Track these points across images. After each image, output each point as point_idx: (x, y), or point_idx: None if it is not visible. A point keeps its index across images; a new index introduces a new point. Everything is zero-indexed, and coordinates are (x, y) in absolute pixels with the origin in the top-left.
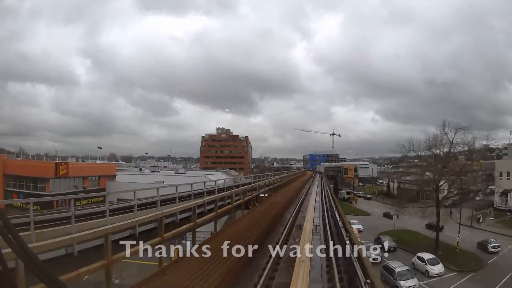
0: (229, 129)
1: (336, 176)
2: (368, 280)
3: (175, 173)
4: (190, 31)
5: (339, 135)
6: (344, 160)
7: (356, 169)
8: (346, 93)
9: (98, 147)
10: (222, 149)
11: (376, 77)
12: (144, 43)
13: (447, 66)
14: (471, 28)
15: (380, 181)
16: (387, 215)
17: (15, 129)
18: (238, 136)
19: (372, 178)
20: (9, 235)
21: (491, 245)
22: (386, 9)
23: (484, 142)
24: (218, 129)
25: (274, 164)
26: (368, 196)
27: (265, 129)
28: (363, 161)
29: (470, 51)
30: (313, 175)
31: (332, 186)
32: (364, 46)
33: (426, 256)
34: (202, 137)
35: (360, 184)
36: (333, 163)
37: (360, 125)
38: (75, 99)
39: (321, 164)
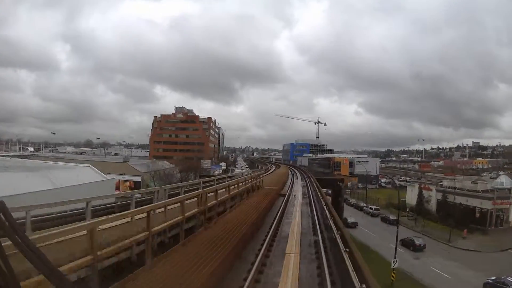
0: (192, 110)
1: (338, 182)
2: None
3: None
4: (168, 16)
5: (325, 124)
6: (331, 151)
7: (351, 164)
8: (329, 85)
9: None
10: (178, 132)
11: (361, 69)
12: (122, 28)
13: (435, 60)
14: (463, 23)
15: (383, 181)
16: None
17: None
18: (198, 117)
19: (375, 177)
20: (11, 228)
21: None
22: None
23: None
24: (177, 108)
25: (254, 154)
26: (390, 217)
27: (247, 118)
28: (347, 153)
29: (460, 46)
30: (288, 178)
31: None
32: (349, 36)
33: None
34: (155, 117)
35: (359, 185)
36: (319, 155)
37: (343, 118)
38: (57, 85)
39: (304, 155)
